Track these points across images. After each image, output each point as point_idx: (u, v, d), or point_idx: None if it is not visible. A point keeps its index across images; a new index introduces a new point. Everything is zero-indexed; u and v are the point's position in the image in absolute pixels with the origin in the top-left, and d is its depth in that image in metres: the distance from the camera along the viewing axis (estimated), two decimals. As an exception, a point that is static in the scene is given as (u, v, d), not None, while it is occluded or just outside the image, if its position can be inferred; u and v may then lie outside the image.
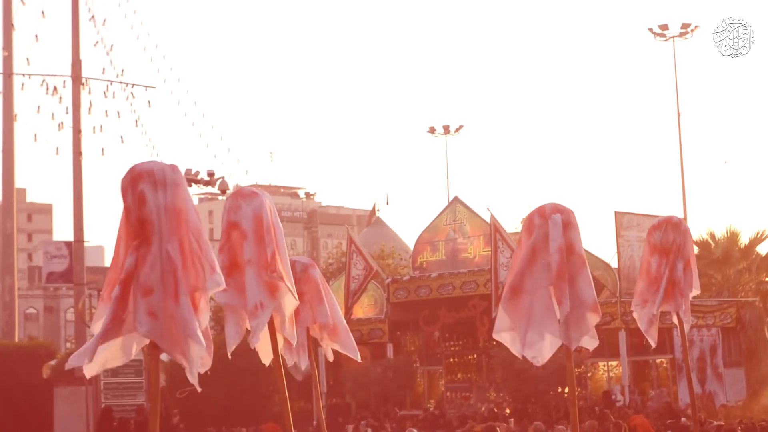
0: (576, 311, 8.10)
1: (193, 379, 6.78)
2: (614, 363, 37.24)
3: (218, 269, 6.77)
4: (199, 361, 6.80)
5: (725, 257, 45.11)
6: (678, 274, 10.03)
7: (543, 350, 8.19)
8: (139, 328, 6.51)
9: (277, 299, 7.74)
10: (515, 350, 8.21)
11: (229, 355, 7.78)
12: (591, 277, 8.30)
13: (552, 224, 8.11)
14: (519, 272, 8.11)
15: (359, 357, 10.12)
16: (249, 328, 7.80)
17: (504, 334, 8.23)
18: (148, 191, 6.56)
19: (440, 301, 39.42)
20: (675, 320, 10.34)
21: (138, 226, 6.55)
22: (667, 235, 10.11)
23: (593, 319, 8.23)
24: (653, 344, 10.22)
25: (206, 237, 6.75)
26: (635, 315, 10.35)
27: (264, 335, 8.02)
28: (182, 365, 6.81)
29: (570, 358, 8.36)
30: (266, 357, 8.92)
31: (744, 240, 45.99)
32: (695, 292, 10.32)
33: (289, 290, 7.80)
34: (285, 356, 9.48)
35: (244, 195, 7.96)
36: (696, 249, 45.24)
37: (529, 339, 8.11)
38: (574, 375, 8.39)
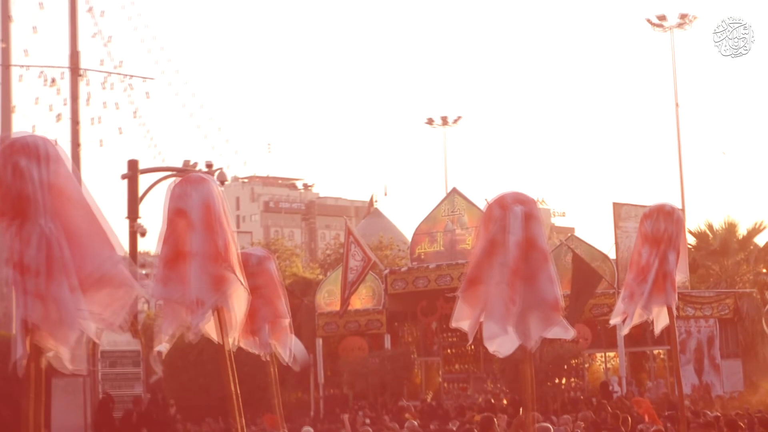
0: (536, 310, 7.71)
1: (68, 368, 6.51)
2: (612, 354, 37.31)
3: (118, 251, 6.39)
4: (73, 353, 6.54)
5: (723, 248, 45.16)
6: (669, 265, 9.53)
7: (505, 344, 7.84)
8: (29, 313, 6.18)
9: (222, 292, 7.27)
10: (473, 338, 8.00)
11: (156, 349, 7.58)
12: (554, 273, 7.91)
13: (512, 217, 7.62)
14: (477, 264, 7.71)
15: (287, 359, 9.60)
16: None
17: (463, 323, 7.95)
18: (27, 165, 6.13)
19: (438, 292, 39.44)
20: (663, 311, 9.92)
21: (17, 202, 6.14)
22: (659, 224, 9.59)
23: (555, 317, 7.81)
24: (625, 331, 10.05)
25: (102, 214, 6.39)
26: (620, 307, 9.85)
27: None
28: (61, 355, 6.53)
29: (529, 360, 7.99)
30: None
31: (742, 231, 46.07)
32: (682, 277, 9.87)
33: (240, 283, 7.38)
34: (251, 349, 9.17)
35: (192, 181, 7.39)
36: (694, 240, 45.32)
37: (487, 331, 7.80)
38: (533, 379, 8.09)
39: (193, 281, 7.11)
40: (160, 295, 7.20)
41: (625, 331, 9.92)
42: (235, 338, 7.97)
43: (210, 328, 7.57)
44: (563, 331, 7.93)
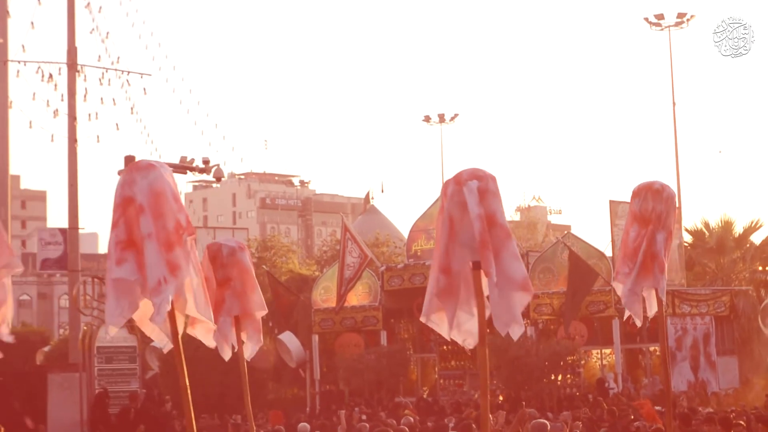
0: (503, 289, 7.08)
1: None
2: (608, 351, 37.35)
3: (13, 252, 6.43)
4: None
5: (719, 246, 45.22)
6: (657, 246, 9.06)
7: (474, 331, 7.28)
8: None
9: (179, 278, 7.12)
10: (443, 332, 7.39)
11: (108, 333, 7.52)
12: (518, 252, 7.30)
13: (467, 191, 7.06)
14: (444, 250, 7.16)
15: (251, 356, 9.22)
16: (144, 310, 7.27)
17: (433, 316, 7.34)
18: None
19: (434, 289, 39.44)
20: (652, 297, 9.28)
21: None
22: (647, 203, 9.15)
23: (524, 298, 7.16)
24: (638, 323, 9.32)
25: None
26: (618, 291, 9.33)
27: (199, 321, 7.69)
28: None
29: (483, 343, 7.23)
30: (209, 341, 8.55)
31: (738, 229, 46.13)
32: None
33: (192, 267, 7.23)
34: (203, 338, 8.95)
35: (139, 168, 7.29)
36: (690, 238, 45.38)
37: (458, 319, 7.28)
38: (487, 367, 7.31)
39: (151, 263, 7.02)
40: (119, 276, 7.08)
41: (638, 318, 9.25)
42: (188, 325, 7.84)
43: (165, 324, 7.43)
44: (517, 327, 7.28)
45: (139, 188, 7.12)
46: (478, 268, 7.06)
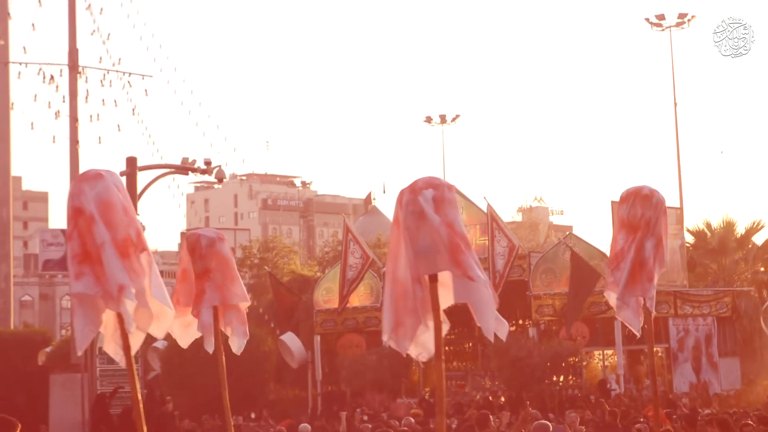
0: (483, 292, 6.90)
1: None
2: (609, 352, 37.32)
3: None
4: None
5: (721, 247, 45.18)
6: (646, 253, 8.72)
7: (428, 343, 7.04)
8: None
9: (138, 284, 7.04)
10: (402, 348, 7.07)
11: (78, 351, 7.39)
12: (477, 259, 7.05)
13: (423, 200, 6.79)
14: (399, 262, 6.93)
15: (240, 350, 8.92)
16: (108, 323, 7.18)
17: (394, 334, 7.02)
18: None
19: (436, 290, 39.46)
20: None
21: None
22: (635, 210, 8.77)
23: (495, 300, 6.95)
24: (635, 331, 8.95)
25: None
26: (610, 301, 9.03)
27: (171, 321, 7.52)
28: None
29: (440, 358, 6.92)
30: (184, 341, 8.49)
31: (740, 230, 46.10)
32: (662, 269, 8.98)
33: (148, 276, 7.12)
34: (177, 336, 8.83)
35: (87, 178, 7.20)
36: (692, 239, 45.34)
37: (418, 333, 7.00)
38: (443, 382, 6.96)
39: (110, 270, 6.93)
40: (79, 290, 7.01)
41: (635, 328, 8.77)
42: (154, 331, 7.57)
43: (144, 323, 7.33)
44: (501, 327, 7.08)
45: (87, 198, 7.04)
46: (434, 280, 6.86)
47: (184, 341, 8.77)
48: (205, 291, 8.64)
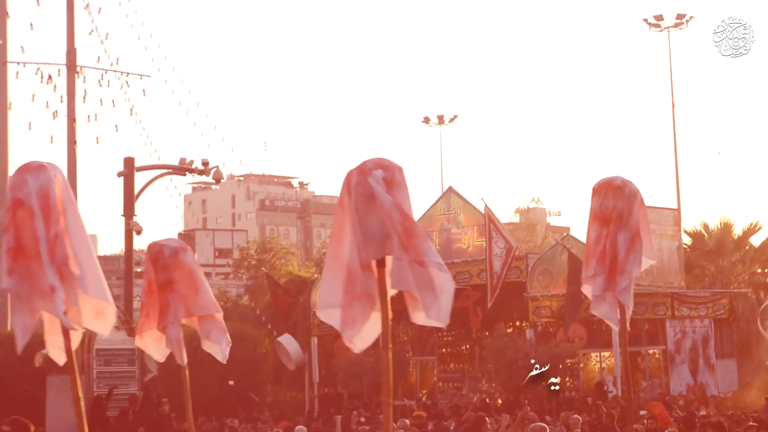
0: (438, 276, 6.53)
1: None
2: (606, 354, 37.28)
3: None
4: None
5: (718, 248, 45.16)
6: (618, 247, 8.41)
7: (363, 334, 6.83)
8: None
9: (70, 285, 6.79)
10: (347, 337, 6.97)
11: (18, 349, 6.92)
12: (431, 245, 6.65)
13: (373, 181, 6.43)
14: (344, 246, 6.57)
15: (224, 358, 8.71)
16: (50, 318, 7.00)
17: (330, 311, 6.83)
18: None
19: (433, 291, 39.45)
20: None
21: None
22: (607, 201, 8.47)
23: (452, 284, 6.57)
24: (614, 326, 8.62)
25: None
26: (588, 295, 8.64)
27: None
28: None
29: (387, 347, 6.74)
30: (159, 355, 8.33)
31: (737, 231, 46.08)
32: (650, 262, 8.65)
33: (75, 279, 6.85)
34: (151, 351, 8.66)
35: (30, 169, 6.93)
36: (689, 240, 45.30)
37: (355, 320, 6.80)
38: (390, 371, 6.92)
39: (46, 267, 6.72)
40: (7, 286, 6.82)
41: (613, 323, 8.36)
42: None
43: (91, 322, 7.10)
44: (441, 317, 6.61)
45: (29, 190, 6.80)
46: (382, 266, 6.55)
47: (159, 355, 8.57)
48: (169, 304, 8.43)
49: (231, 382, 33.98)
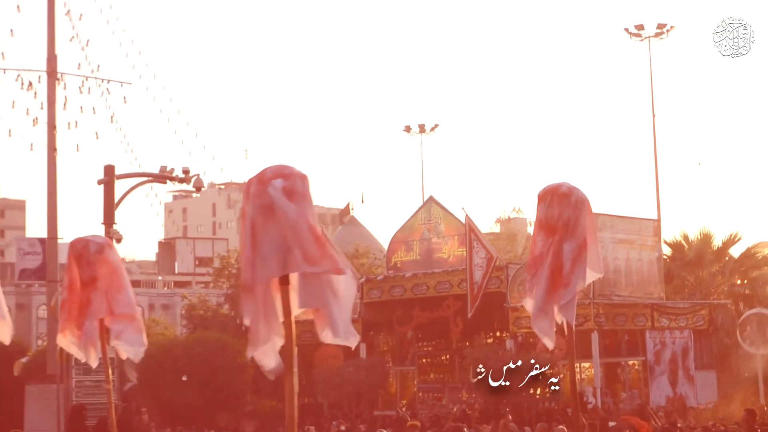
0: (342, 297, 6.19)
1: None
2: (587, 365, 37.33)
3: None
4: None
5: (698, 259, 45.31)
6: (564, 258, 7.96)
7: (268, 354, 6.36)
8: None
9: None
10: (266, 365, 6.48)
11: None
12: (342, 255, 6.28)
13: (272, 191, 6.04)
14: (247, 261, 6.11)
15: (138, 357, 8.42)
16: None
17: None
18: None
19: (414, 301, 39.44)
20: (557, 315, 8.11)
21: None
22: (552, 209, 8.01)
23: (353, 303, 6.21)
24: (549, 346, 8.13)
25: None
26: (527, 308, 8.17)
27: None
28: None
29: (291, 372, 6.38)
30: (77, 351, 8.13)
31: (717, 242, 46.24)
32: (596, 275, 8.15)
33: None
34: (73, 350, 8.49)
35: None
36: (669, 250, 45.41)
37: (261, 338, 6.28)
38: (296, 399, 6.60)
39: None
40: None
41: (549, 340, 8.32)
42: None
43: None
44: (352, 338, 6.29)
45: None
46: (285, 283, 6.14)
47: (81, 354, 8.44)
48: (91, 301, 8.24)
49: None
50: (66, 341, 8.12)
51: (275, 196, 6.04)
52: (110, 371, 8.46)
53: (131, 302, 8.45)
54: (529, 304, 8.11)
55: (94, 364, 8.34)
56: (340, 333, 6.21)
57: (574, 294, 7.93)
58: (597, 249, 8.13)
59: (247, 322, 6.23)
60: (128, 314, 8.40)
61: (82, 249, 8.32)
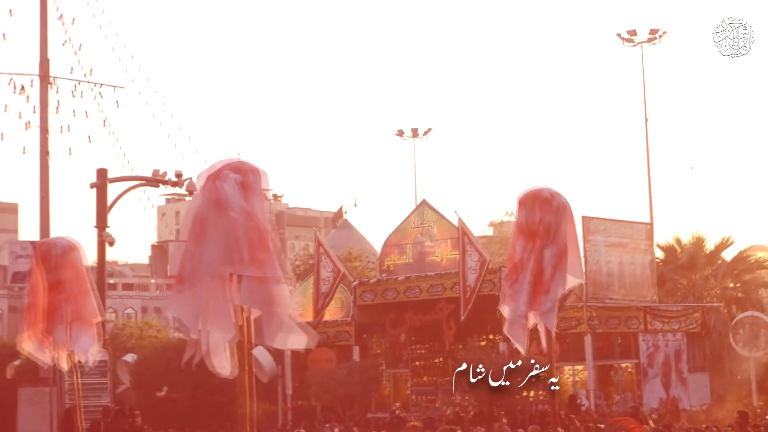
0: (285, 299, 6.02)
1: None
2: (580, 367, 37.35)
3: None
4: None
5: (691, 263, 45.33)
6: (545, 263, 7.90)
7: (222, 357, 6.16)
8: None
9: None
10: (219, 370, 6.23)
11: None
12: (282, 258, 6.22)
13: (228, 186, 5.77)
14: (188, 253, 5.90)
15: (89, 363, 8.32)
16: None
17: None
18: None
19: (407, 304, 39.46)
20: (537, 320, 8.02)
21: None
22: (533, 214, 7.90)
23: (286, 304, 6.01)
24: (522, 350, 7.60)
25: None
26: (504, 314, 7.79)
27: None
28: None
29: (250, 372, 6.07)
30: (43, 356, 8.12)
31: (710, 246, 46.25)
32: (576, 281, 8.11)
33: None
34: (38, 354, 8.39)
35: None
36: (662, 254, 45.45)
37: (212, 343, 6.09)
38: (248, 394, 6.33)
39: None
40: None
41: (521, 346, 8.11)
42: None
43: None
44: (297, 339, 6.12)
45: None
46: (238, 280, 5.98)
47: (47, 359, 8.32)
48: (58, 306, 8.12)
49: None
50: (30, 346, 8.01)
51: (229, 192, 5.85)
52: (77, 376, 8.33)
53: (95, 308, 8.36)
54: (506, 311, 8.09)
55: (65, 367, 8.31)
56: (274, 339, 6.17)
57: (555, 301, 8.01)
58: (578, 254, 8.14)
59: (174, 314, 6.13)
60: (91, 320, 8.32)
61: (47, 251, 8.27)
